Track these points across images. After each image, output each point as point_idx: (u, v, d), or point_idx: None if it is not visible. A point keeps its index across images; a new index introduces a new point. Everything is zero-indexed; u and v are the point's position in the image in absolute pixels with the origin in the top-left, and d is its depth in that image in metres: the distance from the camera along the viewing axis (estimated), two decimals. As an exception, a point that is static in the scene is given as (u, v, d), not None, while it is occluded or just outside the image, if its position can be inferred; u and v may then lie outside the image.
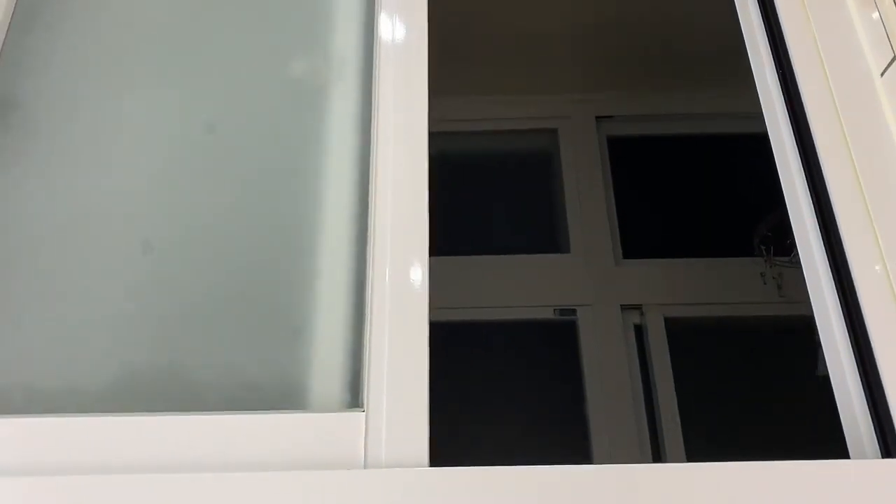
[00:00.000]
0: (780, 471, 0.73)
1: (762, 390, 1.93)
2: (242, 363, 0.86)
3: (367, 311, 0.83)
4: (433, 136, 0.93)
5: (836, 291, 0.86)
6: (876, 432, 0.78)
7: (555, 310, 2.09)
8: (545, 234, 2.21)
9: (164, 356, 0.87)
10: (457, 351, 1.97)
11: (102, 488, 0.73)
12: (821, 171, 0.91)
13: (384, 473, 0.74)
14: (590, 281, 2.10)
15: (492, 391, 2.00)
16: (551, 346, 2.08)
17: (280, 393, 0.84)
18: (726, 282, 2.05)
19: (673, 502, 0.71)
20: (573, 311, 2.08)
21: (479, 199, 2.21)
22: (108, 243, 0.93)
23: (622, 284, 2.10)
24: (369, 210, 0.89)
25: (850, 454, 0.78)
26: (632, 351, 2.03)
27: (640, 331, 2.05)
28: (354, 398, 0.82)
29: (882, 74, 0.95)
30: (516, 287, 2.10)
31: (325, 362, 0.85)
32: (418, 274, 0.85)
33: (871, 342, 0.81)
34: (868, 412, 0.79)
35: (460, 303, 2.02)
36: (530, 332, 2.10)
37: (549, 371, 2.06)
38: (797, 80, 0.98)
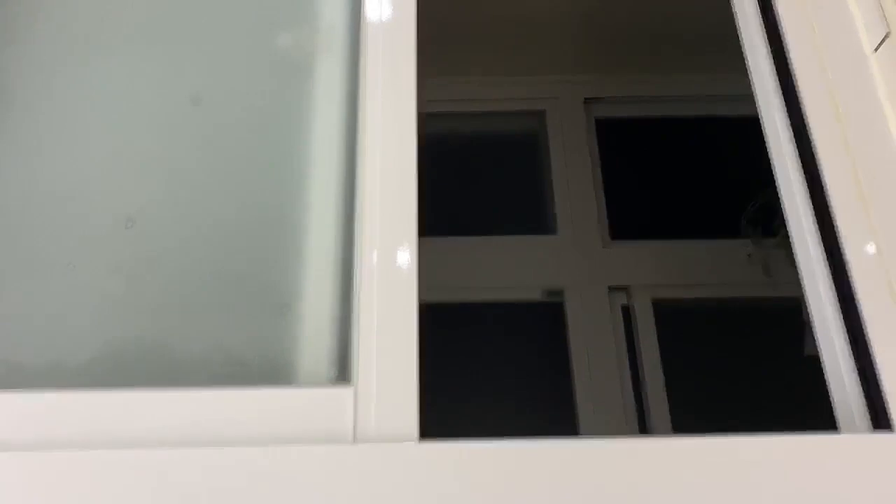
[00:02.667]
0: (769, 444, 0.73)
1: (749, 371, 1.94)
2: (229, 339, 0.85)
3: (356, 286, 0.82)
4: (420, 116, 0.92)
5: (827, 269, 0.86)
6: (866, 405, 0.78)
7: (542, 291, 2.09)
8: (533, 216, 2.20)
9: (150, 332, 0.85)
10: (444, 332, 1.97)
11: (86, 464, 0.72)
12: (813, 148, 0.91)
13: (374, 448, 0.73)
14: (577, 262, 2.10)
15: (479, 372, 2.00)
16: (539, 327, 2.08)
17: (268, 369, 0.83)
18: (713, 263, 2.06)
19: (660, 475, 0.71)
20: (560, 293, 2.08)
21: (466, 180, 2.20)
22: (89, 218, 0.91)
23: (609, 266, 2.10)
24: (357, 188, 0.88)
25: (840, 427, 0.78)
26: (619, 332, 2.03)
27: (627, 312, 2.06)
28: (343, 373, 0.81)
29: (875, 50, 0.94)
30: (504, 268, 2.10)
31: (313, 338, 0.84)
32: (406, 253, 0.84)
33: (863, 320, 0.81)
34: (858, 385, 0.80)
35: (448, 284, 2.01)
36: (518, 313, 2.10)
37: (536, 352, 2.06)
38: (789, 56, 0.97)
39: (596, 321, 2.03)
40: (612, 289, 2.07)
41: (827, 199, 0.88)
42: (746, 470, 0.71)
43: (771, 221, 1.88)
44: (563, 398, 1.95)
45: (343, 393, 0.77)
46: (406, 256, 0.83)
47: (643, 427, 1.90)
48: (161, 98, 0.98)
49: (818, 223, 0.88)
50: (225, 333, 0.85)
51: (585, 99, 2.31)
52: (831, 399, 0.80)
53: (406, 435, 0.74)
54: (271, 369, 0.83)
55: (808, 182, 0.91)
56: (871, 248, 0.84)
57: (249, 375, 0.81)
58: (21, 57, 1.00)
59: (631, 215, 2.16)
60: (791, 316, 1.62)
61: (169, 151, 0.97)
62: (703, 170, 2.17)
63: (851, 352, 0.80)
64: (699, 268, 2.06)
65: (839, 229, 0.85)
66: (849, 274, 0.83)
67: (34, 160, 0.94)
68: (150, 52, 1.02)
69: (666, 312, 2.04)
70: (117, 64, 1.00)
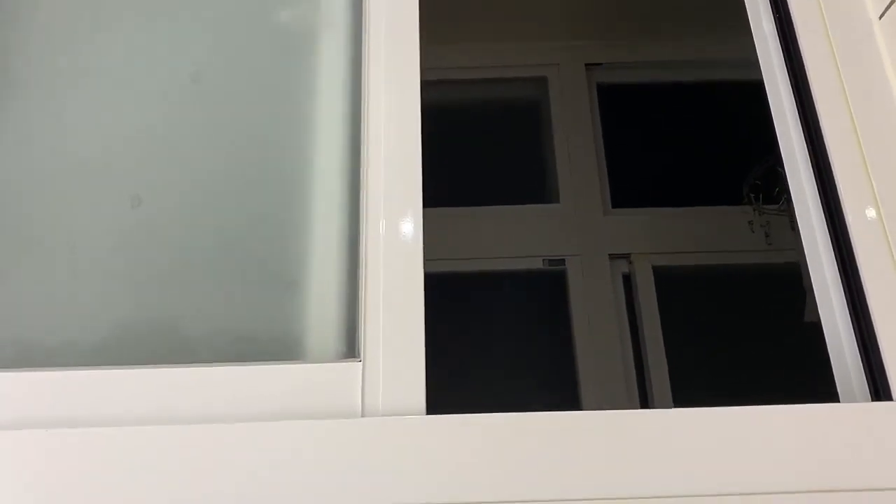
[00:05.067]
0: (769, 415, 0.74)
1: (750, 338, 1.95)
2: (237, 316, 0.85)
3: (362, 261, 0.83)
4: (421, 85, 0.92)
5: (829, 236, 0.86)
6: (866, 375, 0.79)
7: (544, 260, 2.10)
8: (534, 184, 2.20)
9: (158, 310, 0.86)
10: (446, 302, 1.98)
11: (97, 441, 0.73)
12: (816, 115, 0.91)
13: (381, 422, 0.74)
14: (578, 230, 2.10)
15: (482, 341, 2.02)
16: (540, 295, 2.09)
17: (276, 345, 0.84)
18: (714, 230, 2.06)
19: (662, 447, 0.72)
20: (562, 261, 2.09)
21: (466, 149, 2.19)
22: (95, 196, 0.91)
23: (611, 234, 2.10)
24: (361, 160, 0.88)
25: (840, 397, 0.79)
26: (620, 300, 2.04)
27: (628, 280, 2.06)
28: (351, 349, 0.82)
29: (880, 17, 0.93)
30: (505, 237, 2.10)
31: (321, 314, 0.85)
32: (411, 224, 0.84)
33: (864, 287, 0.81)
34: (858, 355, 0.80)
35: (449, 254, 2.02)
36: (519, 282, 2.10)
37: (538, 320, 2.08)
38: (794, 23, 0.96)
39: (597, 289, 2.04)
40: (613, 257, 2.07)
41: (829, 164, 0.88)
42: (746, 441, 0.72)
43: (773, 188, 1.87)
44: (565, 366, 1.97)
45: (351, 368, 0.78)
46: (411, 226, 0.84)
47: (644, 394, 1.92)
48: (164, 76, 0.98)
49: (820, 189, 0.89)
50: (233, 311, 0.85)
51: (587, 65, 2.29)
52: (832, 367, 0.81)
53: (413, 409, 0.75)
54: (281, 345, 0.83)
55: (810, 147, 0.91)
56: (871, 214, 0.84)
57: (258, 352, 0.82)
58: (25, 37, 1.00)
59: (632, 183, 2.16)
60: (792, 282, 1.63)
61: (174, 129, 0.96)
62: (705, 136, 2.16)
63: (852, 320, 0.81)
64: (700, 235, 2.06)
65: (841, 195, 0.86)
66: (850, 240, 0.83)
67: (40, 141, 0.94)
68: (151, 30, 1.01)
69: (667, 280, 2.04)
70: (119, 42, 0.99)
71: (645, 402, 1.90)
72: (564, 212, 2.13)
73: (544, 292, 2.09)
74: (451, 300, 2.00)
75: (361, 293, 0.81)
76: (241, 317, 0.85)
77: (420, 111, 0.89)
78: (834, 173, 0.87)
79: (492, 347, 2.01)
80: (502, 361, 2.00)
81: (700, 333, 2.00)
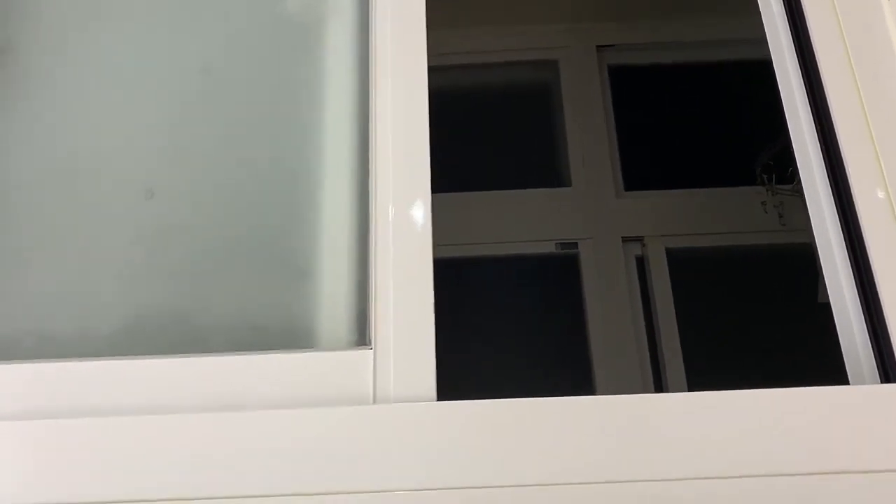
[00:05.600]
0: (780, 398, 0.74)
1: (764, 319, 1.95)
2: (249, 306, 0.87)
3: (371, 250, 0.83)
4: (430, 70, 0.92)
5: (837, 217, 0.86)
6: (875, 358, 0.79)
7: (556, 244, 2.10)
8: (546, 168, 2.20)
9: (172, 300, 0.87)
10: (459, 288, 1.99)
11: (115, 429, 0.74)
12: (824, 94, 0.90)
13: (393, 408, 0.76)
14: (591, 214, 2.10)
15: (494, 326, 2.02)
16: (553, 279, 2.10)
17: (288, 334, 0.85)
18: (728, 211, 2.05)
19: (675, 431, 0.73)
20: (574, 245, 2.09)
21: (477, 133, 2.19)
22: (109, 188, 0.93)
23: (623, 216, 2.10)
24: (370, 148, 0.88)
25: (850, 380, 0.79)
26: (633, 283, 2.04)
27: (641, 263, 2.06)
28: (362, 337, 0.83)
29: (890, -4, 0.92)
30: (517, 222, 2.10)
31: (332, 302, 0.86)
32: (421, 210, 0.85)
33: (872, 268, 0.81)
34: (868, 338, 0.80)
35: (461, 240, 2.02)
36: (532, 266, 2.11)
37: (551, 305, 2.08)
38: (802, 2, 0.96)
39: (610, 273, 2.04)
40: (625, 239, 2.07)
41: (838, 145, 0.87)
42: (758, 424, 0.73)
43: (786, 168, 1.86)
44: (578, 349, 1.97)
45: (362, 356, 0.79)
46: (420, 212, 0.84)
47: (658, 377, 1.92)
48: (174, 68, 0.99)
49: (829, 170, 0.88)
50: (245, 300, 0.87)
51: (598, 46, 2.28)
52: (842, 349, 0.81)
53: (424, 395, 0.76)
54: (292, 334, 0.85)
55: (818, 128, 0.90)
56: (881, 194, 0.84)
57: (272, 341, 0.83)
58: (34, 28, 1.01)
59: (645, 164, 2.15)
60: (805, 263, 1.62)
61: (184, 121, 0.97)
62: (718, 116, 2.15)
63: (861, 302, 0.81)
64: (713, 216, 2.06)
65: (850, 176, 0.85)
66: (858, 221, 0.83)
67: (53, 132, 0.95)
68: (161, 23, 1.02)
69: (680, 261, 2.04)
70: (129, 35, 1.00)
71: (658, 383, 1.90)
72: (576, 195, 2.13)
73: (557, 276, 2.09)
74: (462, 286, 2.01)
75: (372, 281, 0.82)
76: (253, 306, 0.86)
77: (427, 97, 0.90)
78: (842, 154, 0.87)
79: (504, 332, 2.02)
80: (514, 346, 2.00)
81: (714, 314, 1.99)
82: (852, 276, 0.82)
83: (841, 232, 0.85)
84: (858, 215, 0.84)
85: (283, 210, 0.92)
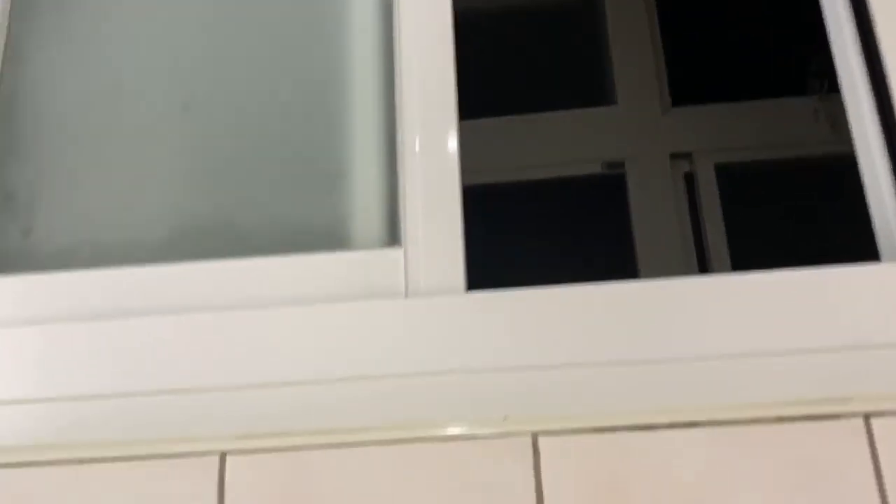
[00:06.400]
0: (816, 276, 0.74)
1: (816, 232, 1.91)
2: (287, 210, 0.90)
3: (400, 153, 0.85)
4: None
5: (876, 112, 0.85)
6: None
7: (602, 163, 2.08)
8: (590, 86, 2.16)
9: (214, 208, 0.91)
10: (504, 212, 1.99)
11: (165, 327, 0.79)
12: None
13: (424, 300, 0.78)
14: (637, 132, 2.06)
15: (541, 249, 2.03)
16: (599, 200, 2.08)
17: (323, 236, 0.88)
18: (777, 123, 1.99)
19: (715, 312, 0.74)
20: (621, 164, 2.07)
21: (518, 54, 2.16)
22: (151, 104, 0.96)
23: (670, 133, 2.06)
24: (395, 58, 0.89)
25: (881, 257, 0.79)
26: (681, 201, 2.02)
27: (690, 179, 2.03)
28: (393, 237, 0.85)
29: None
30: (562, 143, 2.08)
31: (364, 205, 0.89)
32: (446, 112, 0.86)
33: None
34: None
35: (505, 164, 2.02)
36: (577, 188, 2.09)
37: (598, 226, 2.07)
38: None
39: (658, 191, 2.02)
40: (673, 156, 2.04)
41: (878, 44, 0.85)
42: (796, 303, 0.73)
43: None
44: (627, 272, 1.97)
45: (394, 254, 0.82)
46: (446, 114, 0.85)
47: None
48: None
49: (869, 73, 0.86)
50: (283, 204, 0.90)
51: (642, -43, 2.20)
52: (874, 226, 0.81)
53: (454, 287, 0.79)
54: (328, 235, 0.88)
55: (858, 28, 0.88)
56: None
57: (309, 242, 0.87)
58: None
59: (692, 78, 2.09)
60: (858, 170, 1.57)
61: (219, 38, 1.00)
62: (766, 24, 2.07)
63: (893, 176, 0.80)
64: (762, 128, 2.00)
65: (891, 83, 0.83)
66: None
67: (98, 57, 0.99)
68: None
69: (729, 177, 2.00)
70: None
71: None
72: (622, 112, 2.10)
73: (603, 197, 2.08)
74: (508, 210, 2.01)
75: (401, 181, 0.84)
76: (291, 210, 0.90)
77: (452, 19, 0.89)
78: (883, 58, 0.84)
79: (550, 255, 2.02)
80: (561, 270, 2.00)
81: (765, 230, 1.96)
82: (887, 157, 0.81)
83: (875, 112, 0.84)
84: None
85: (316, 121, 0.94)
